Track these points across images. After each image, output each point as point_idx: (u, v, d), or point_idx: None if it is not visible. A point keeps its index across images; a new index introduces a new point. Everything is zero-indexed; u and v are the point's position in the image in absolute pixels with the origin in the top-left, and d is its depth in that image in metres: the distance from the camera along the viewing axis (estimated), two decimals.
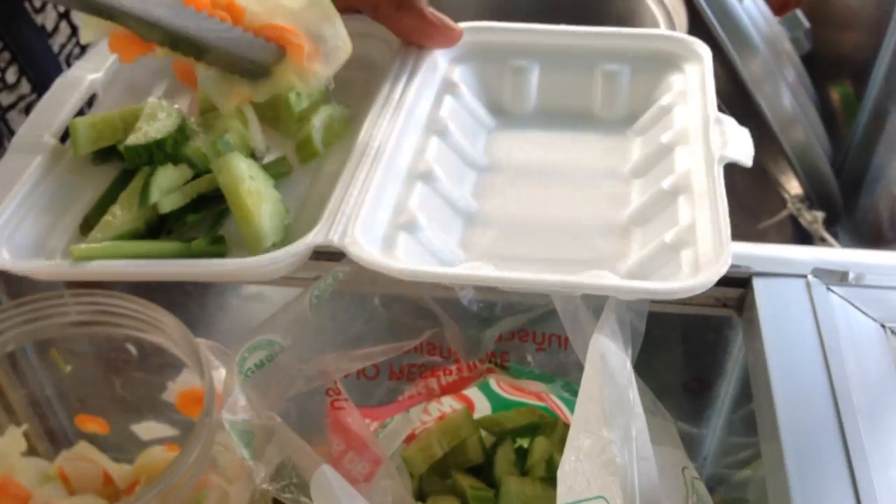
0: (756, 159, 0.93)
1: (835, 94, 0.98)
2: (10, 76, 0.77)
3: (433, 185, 0.45)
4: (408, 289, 0.49)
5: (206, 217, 0.44)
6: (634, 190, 0.46)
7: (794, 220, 0.82)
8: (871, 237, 0.82)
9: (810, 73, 0.88)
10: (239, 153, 0.44)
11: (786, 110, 0.77)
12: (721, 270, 0.38)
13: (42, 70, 0.78)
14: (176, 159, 0.44)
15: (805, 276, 0.46)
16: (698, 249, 0.40)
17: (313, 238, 0.40)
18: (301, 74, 0.45)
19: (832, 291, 0.45)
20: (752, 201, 0.91)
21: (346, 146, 0.46)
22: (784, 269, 0.47)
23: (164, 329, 0.49)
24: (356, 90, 0.50)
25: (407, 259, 0.41)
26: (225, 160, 0.43)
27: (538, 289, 0.40)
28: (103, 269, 0.41)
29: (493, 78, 0.51)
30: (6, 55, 0.75)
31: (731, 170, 1.00)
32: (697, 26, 0.78)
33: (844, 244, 0.84)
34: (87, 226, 0.44)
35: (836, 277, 0.46)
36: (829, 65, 0.97)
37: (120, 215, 0.43)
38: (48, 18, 0.80)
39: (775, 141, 0.79)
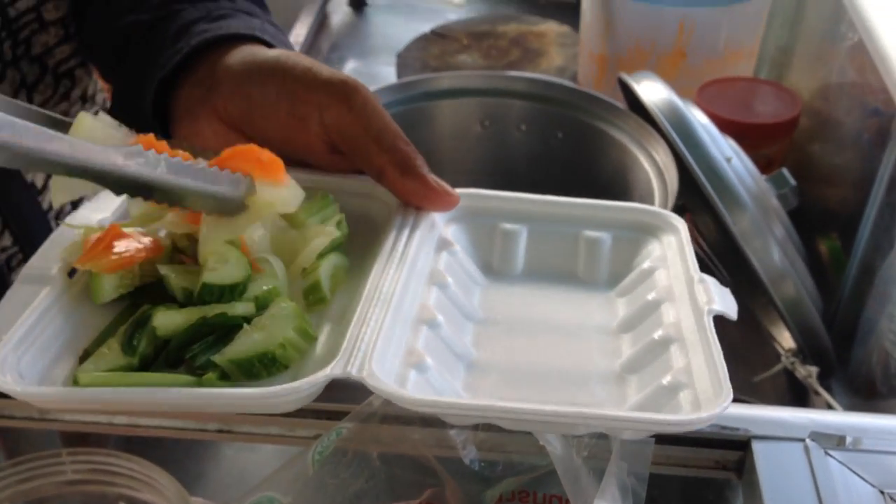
0: (749, 311, 0.94)
1: (823, 247, 1.00)
2: None
3: (436, 331, 0.46)
4: (409, 447, 0.49)
5: (207, 349, 0.44)
6: (624, 343, 0.48)
7: (789, 372, 0.83)
8: (865, 391, 0.82)
9: (798, 227, 0.90)
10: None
11: (775, 265, 0.79)
12: (724, 405, 0.40)
13: (28, 226, 0.79)
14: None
15: (803, 440, 0.46)
16: (697, 389, 0.42)
17: (332, 370, 0.41)
18: (275, 196, 0.48)
19: (830, 456, 0.46)
20: (746, 353, 0.91)
21: (349, 294, 0.48)
22: (782, 433, 0.47)
23: (159, 488, 0.49)
24: (355, 244, 0.52)
25: (418, 393, 0.42)
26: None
27: (542, 419, 0.40)
28: (113, 396, 0.41)
29: (484, 239, 0.54)
30: None
31: (725, 322, 1.00)
32: (687, 184, 0.81)
33: (839, 397, 0.84)
34: (86, 358, 0.44)
35: (833, 441, 0.46)
36: (816, 218, 0.99)
37: (116, 348, 0.44)
38: (37, 176, 0.81)
39: (766, 294, 0.80)
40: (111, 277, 0.45)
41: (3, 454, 0.55)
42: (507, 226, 0.54)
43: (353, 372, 0.41)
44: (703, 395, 0.41)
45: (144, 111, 0.60)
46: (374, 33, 1.52)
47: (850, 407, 0.81)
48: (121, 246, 0.46)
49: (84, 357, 0.44)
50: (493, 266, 0.54)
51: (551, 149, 0.98)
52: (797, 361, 0.79)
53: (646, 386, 0.44)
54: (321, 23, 1.52)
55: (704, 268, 0.98)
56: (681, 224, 0.53)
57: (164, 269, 0.46)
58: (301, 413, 0.50)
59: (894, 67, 0.79)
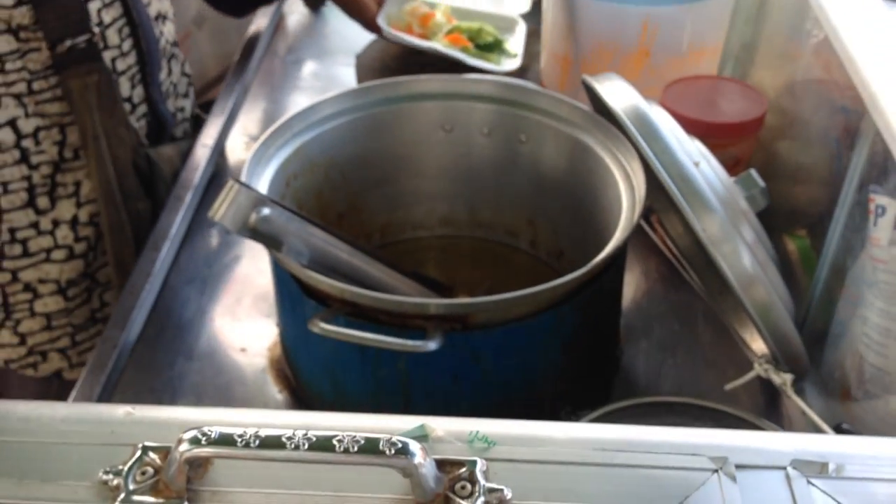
0: (720, 315, 0.92)
1: (791, 246, 0.99)
2: (126, 45, 0.99)
3: None
4: None
5: None
6: None
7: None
8: (839, 394, 0.82)
9: (767, 225, 0.89)
10: None
11: (746, 270, 0.77)
12: None
13: (149, 41, 1.01)
14: None
15: (785, 469, 0.45)
16: None
17: None
18: None
19: (813, 484, 0.44)
20: (718, 358, 0.90)
21: None
22: (762, 461, 0.45)
23: None
24: None
25: None
26: None
27: None
28: None
29: None
30: (127, 30, 0.98)
31: (696, 326, 0.99)
32: (655, 187, 0.79)
33: (812, 399, 0.83)
34: None
35: (815, 469, 0.45)
36: (784, 217, 0.98)
37: None
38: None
39: (737, 299, 0.78)
40: None
41: None
42: None
43: None
44: None
45: None
46: (332, 34, 1.49)
47: (824, 410, 0.80)
48: None
49: None
50: None
51: (516, 153, 0.96)
52: (771, 368, 0.78)
53: None
54: (277, 24, 1.49)
55: (673, 271, 0.97)
56: None
57: None
58: None
59: (861, 65, 0.78)
